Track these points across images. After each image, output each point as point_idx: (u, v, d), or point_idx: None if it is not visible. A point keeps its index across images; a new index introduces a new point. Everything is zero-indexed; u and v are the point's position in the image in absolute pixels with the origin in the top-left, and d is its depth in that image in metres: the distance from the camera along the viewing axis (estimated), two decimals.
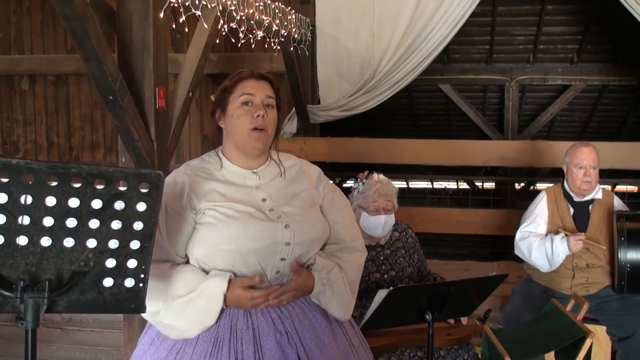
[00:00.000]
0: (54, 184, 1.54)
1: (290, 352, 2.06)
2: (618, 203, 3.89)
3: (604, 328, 3.77)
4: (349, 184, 3.49)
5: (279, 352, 2.05)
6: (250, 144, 2.17)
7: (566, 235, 3.68)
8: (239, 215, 2.09)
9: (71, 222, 1.58)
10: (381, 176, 3.46)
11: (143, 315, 2.07)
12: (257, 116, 2.15)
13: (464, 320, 3.21)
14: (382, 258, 3.41)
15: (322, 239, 2.27)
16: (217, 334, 2.07)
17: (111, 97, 3.13)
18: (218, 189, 2.15)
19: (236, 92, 2.19)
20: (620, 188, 7.82)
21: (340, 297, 2.22)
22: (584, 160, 3.74)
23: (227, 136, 2.23)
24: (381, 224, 3.33)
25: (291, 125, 5.84)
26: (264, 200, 2.18)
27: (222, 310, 2.07)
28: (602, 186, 3.94)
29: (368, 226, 3.31)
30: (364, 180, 3.44)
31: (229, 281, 2.05)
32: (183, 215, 2.10)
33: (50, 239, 1.58)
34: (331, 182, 2.41)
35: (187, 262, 2.16)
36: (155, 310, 2.05)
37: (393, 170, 5.70)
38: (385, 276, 3.38)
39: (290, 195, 2.23)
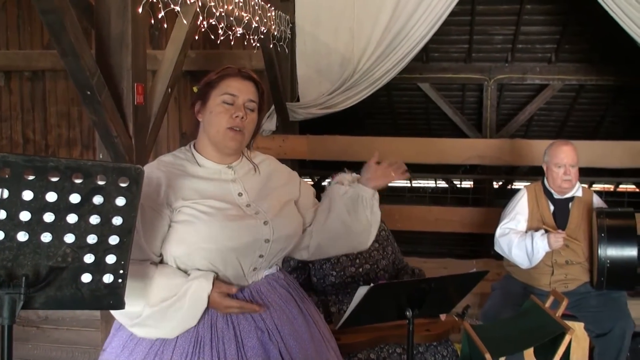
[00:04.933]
0: (31, 177, 1.51)
1: (272, 349, 2.04)
2: (597, 201, 3.92)
3: (582, 324, 3.79)
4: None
5: (262, 350, 2.04)
6: (224, 143, 2.14)
7: (546, 231, 3.71)
8: (216, 212, 2.06)
9: (49, 217, 1.55)
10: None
11: (117, 317, 2.03)
12: (236, 117, 2.11)
13: (443, 316, 3.22)
14: (355, 252, 3.39)
15: (298, 235, 2.26)
16: (197, 333, 2.03)
17: (89, 93, 3.08)
18: (193, 186, 2.11)
19: (219, 88, 2.14)
20: (596, 187, 7.91)
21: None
22: (563, 159, 3.76)
23: (203, 130, 2.19)
24: None
25: (270, 123, 5.79)
26: (240, 194, 2.15)
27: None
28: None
29: None
30: None
31: (213, 282, 2.02)
32: (159, 212, 2.05)
33: (27, 233, 1.55)
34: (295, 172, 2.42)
35: (162, 260, 2.11)
36: (136, 311, 1.99)
37: None
38: (360, 270, 3.39)
39: (265, 191, 2.21)
